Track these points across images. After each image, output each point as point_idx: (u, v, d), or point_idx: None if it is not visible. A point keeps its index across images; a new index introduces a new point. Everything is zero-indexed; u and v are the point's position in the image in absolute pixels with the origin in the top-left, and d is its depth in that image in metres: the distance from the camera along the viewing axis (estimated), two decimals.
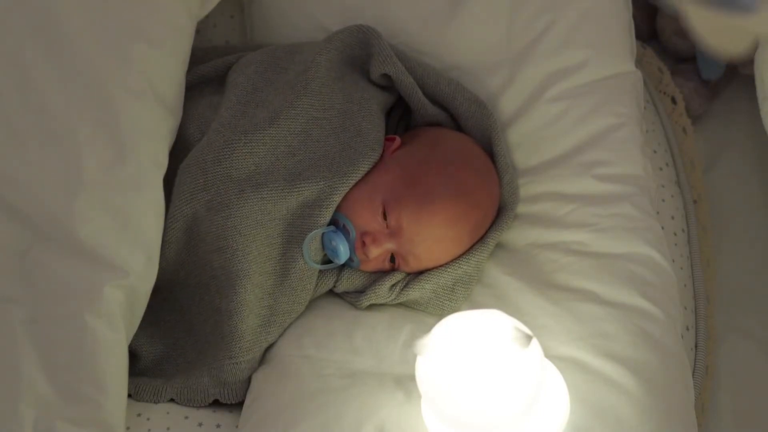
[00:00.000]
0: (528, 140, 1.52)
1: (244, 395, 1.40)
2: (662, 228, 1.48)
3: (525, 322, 1.21)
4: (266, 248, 1.40)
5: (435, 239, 1.41)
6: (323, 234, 1.41)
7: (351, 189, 1.41)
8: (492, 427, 1.19)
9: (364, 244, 1.40)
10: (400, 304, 1.44)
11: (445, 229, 1.41)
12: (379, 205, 1.40)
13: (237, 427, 1.38)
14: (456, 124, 1.52)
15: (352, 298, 1.44)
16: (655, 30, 1.90)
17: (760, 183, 1.80)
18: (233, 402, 1.40)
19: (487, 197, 1.45)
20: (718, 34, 1.04)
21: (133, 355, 1.43)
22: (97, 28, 1.38)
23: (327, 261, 1.44)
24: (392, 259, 1.43)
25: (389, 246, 1.41)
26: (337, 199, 1.40)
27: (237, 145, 1.41)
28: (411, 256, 1.41)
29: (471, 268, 1.43)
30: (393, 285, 1.42)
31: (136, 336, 1.40)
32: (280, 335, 1.42)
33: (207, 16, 1.58)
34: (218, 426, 1.38)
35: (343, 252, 1.39)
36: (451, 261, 1.43)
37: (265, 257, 1.40)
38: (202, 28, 1.67)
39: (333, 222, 1.41)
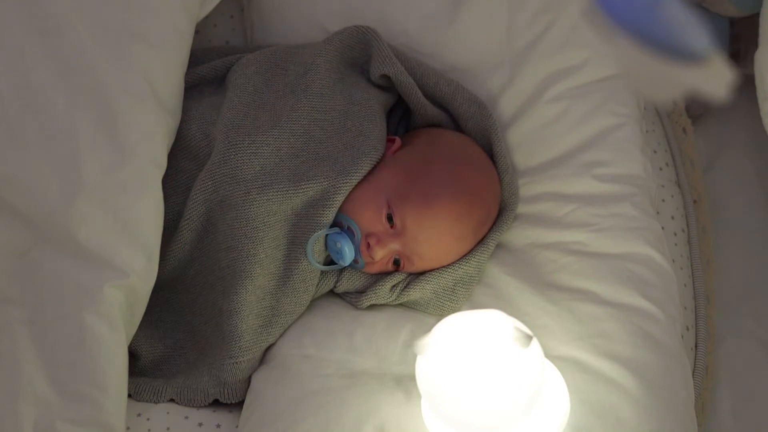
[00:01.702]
0: (528, 140, 1.52)
1: (244, 395, 1.40)
2: (662, 228, 1.49)
3: (525, 322, 1.21)
4: (272, 250, 1.40)
5: (439, 237, 1.41)
6: (327, 235, 1.41)
7: (354, 189, 1.41)
8: (492, 427, 1.19)
9: (368, 246, 1.40)
10: (401, 304, 1.44)
11: (450, 226, 1.41)
12: (382, 205, 1.40)
13: (237, 427, 1.38)
14: (456, 124, 1.52)
15: (353, 298, 1.44)
16: None
17: (760, 183, 1.80)
18: (233, 402, 1.40)
19: (490, 195, 1.45)
20: (650, 81, 1.03)
21: (133, 355, 1.43)
22: (96, 29, 1.38)
23: (330, 261, 1.44)
24: (395, 261, 1.43)
25: (394, 246, 1.41)
26: (340, 198, 1.40)
27: (241, 146, 1.41)
28: (416, 255, 1.41)
29: (472, 269, 1.43)
30: (394, 286, 1.42)
31: (136, 336, 1.40)
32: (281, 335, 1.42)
33: (207, 16, 1.58)
34: (218, 426, 1.39)
35: (348, 254, 1.39)
36: (452, 262, 1.43)
37: (271, 259, 1.40)
38: (201, 28, 1.67)
39: (337, 224, 1.41)
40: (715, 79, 1.01)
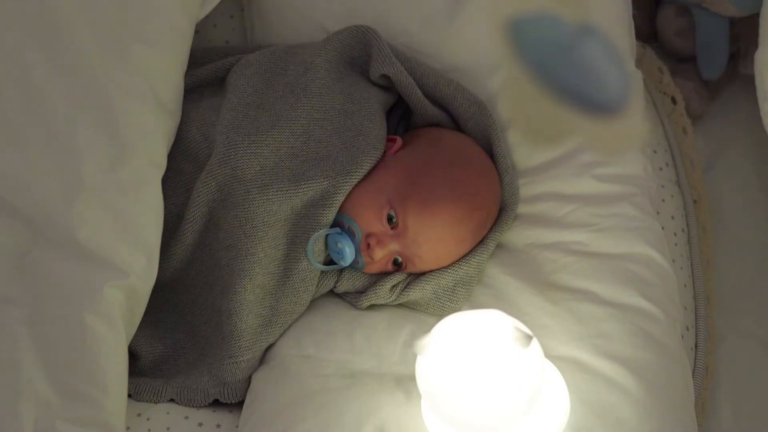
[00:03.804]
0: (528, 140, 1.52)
1: (244, 395, 1.40)
2: (662, 228, 1.49)
3: (525, 322, 1.21)
4: (272, 250, 1.40)
5: (439, 240, 1.41)
6: (328, 235, 1.41)
7: (355, 189, 1.41)
8: (492, 427, 1.19)
9: (368, 246, 1.40)
10: (401, 305, 1.44)
11: (450, 229, 1.41)
12: (383, 205, 1.40)
13: (237, 427, 1.38)
14: (456, 124, 1.52)
15: (353, 298, 1.44)
16: (655, 30, 1.91)
17: (760, 183, 1.80)
18: (233, 402, 1.40)
19: (490, 198, 1.45)
20: (534, 122, 0.99)
21: (133, 355, 1.43)
22: (96, 29, 1.38)
23: (330, 261, 1.44)
24: (395, 261, 1.43)
25: (394, 247, 1.41)
26: (341, 198, 1.40)
27: (240, 146, 1.41)
28: (416, 257, 1.41)
29: (472, 269, 1.43)
30: (393, 286, 1.42)
31: (136, 336, 1.40)
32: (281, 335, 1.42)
33: (207, 16, 1.58)
34: (218, 426, 1.38)
35: (348, 254, 1.39)
36: (452, 262, 1.43)
37: (270, 258, 1.40)
38: (201, 29, 1.67)
39: (338, 224, 1.41)
40: (626, 133, 0.97)
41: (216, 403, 1.41)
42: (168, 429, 1.37)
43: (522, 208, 1.49)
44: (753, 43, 1.57)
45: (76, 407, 1.26)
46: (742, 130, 1.85)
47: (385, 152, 1.45)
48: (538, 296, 1.40)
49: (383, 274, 1.44)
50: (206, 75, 1.54)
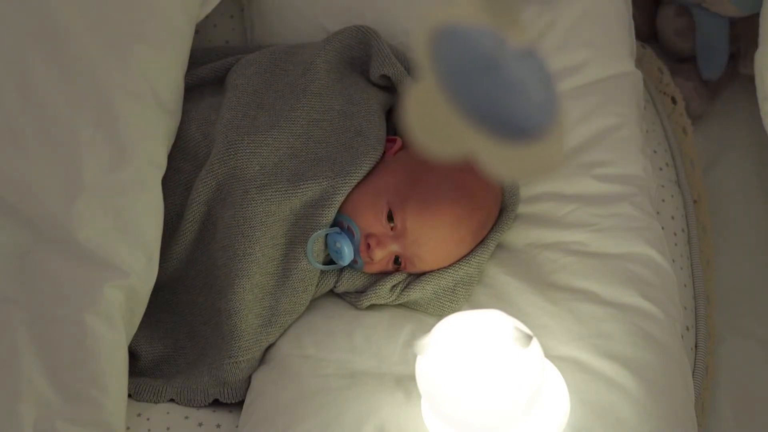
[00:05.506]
0: None
1: (245, 395, 1.40)
2: (662, 228, 1.49)
3: (525, 322, 1.21)
4: (270, 250, 1.40)
5: (439, 240, 1.41)
6: (327, 235, 1.41)
7: (354, 190, 1.41)
8: (492, 427, 1.19)
9: (368, 246, 1.39)
10: (401, 305, 1.44)
11: (450, 230, 1.40)
12: (383, 206, 1.40)
13: (237, 427, 1.38)
14: None
15: (353, 298, 1.44)
16: (655, 30, 1.91)
17: (760, 183, 1.81)
18: (233, 402, 1.40)
19: (490, 198, 1.45)
20: (434, 135, 0.95)
21: (133, 355, 1.43)
22: (96, 30, 1.38)
23: (329, 261, 1.44)
24: (396, 261, 1.43)
25: (394, 248, 1.41)
26: (340, 198, 1.40)
27: (240, 145, 1.41)
28: (416, 257, 1.41)
29: (472, 269, 1.43)
30: (394, 286, 1.42)
31: (136, 336, 1.40)
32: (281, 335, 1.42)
33: (207, 16, 1.58)
34: (218, 426, 1.39)
35: (347, 254, 1.39)
36: (452, 263, 1.43)
37: (268, 258, 1.40)
38: (201, 29, 1.67)
39: (337, 224, 1.41)
40: (546, 159, 0.93)
41: (216, 403, 1.41)
42: (168, 429, 1.37)
43: (522, 208, 1.49)
44: (753, 43, 1.57)
45: (76, 407, 1.26)
46: (742, 130, 1.85)
47: (384, 152, 1.45)
48: (538, 296, 1.40)
49: (383, 274, 1.44)
50: (206, 75, 1.54)
